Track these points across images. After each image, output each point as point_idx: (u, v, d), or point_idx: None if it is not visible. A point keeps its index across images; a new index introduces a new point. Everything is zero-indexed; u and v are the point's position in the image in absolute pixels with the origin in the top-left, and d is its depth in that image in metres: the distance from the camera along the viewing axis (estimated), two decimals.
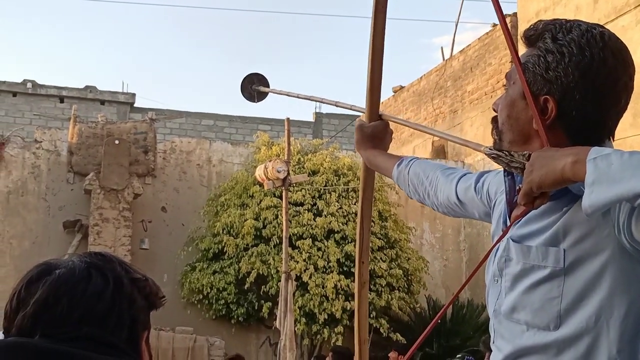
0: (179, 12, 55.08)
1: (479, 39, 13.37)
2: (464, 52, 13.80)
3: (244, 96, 4.95)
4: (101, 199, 10.67)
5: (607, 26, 1.51)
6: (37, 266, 1.16)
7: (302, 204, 10.71)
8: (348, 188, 10.88)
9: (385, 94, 16.47)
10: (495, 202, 1.74)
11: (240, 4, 50.68)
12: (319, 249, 10.41)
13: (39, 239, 11.11)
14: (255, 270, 10.38)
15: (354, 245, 10.02)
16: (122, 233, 10.66)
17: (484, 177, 1.84)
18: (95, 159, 10.98)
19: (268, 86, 4.90)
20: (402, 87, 16.43)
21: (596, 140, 1.42)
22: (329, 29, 55.35)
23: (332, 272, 10.21)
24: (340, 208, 10.73)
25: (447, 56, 14.74)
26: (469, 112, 13.33)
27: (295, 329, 8.61)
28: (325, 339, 10.34)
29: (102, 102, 21.47)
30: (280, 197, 8.97)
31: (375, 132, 2.14)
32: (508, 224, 1.55)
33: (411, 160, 2.10)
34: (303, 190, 10.69)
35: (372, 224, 9.55)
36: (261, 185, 8.97)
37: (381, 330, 10.29)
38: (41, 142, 11.46)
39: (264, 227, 10.57)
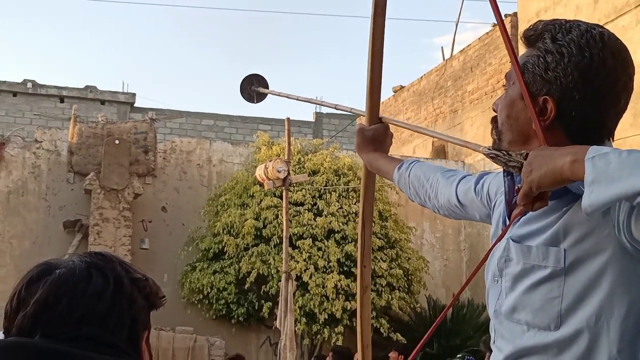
0: (179, 12, 55.09)
1: (479, 38, 13.37)
2: (464, 52, 13.81)
3: (244, 97, 4.95)
4: (101, 198, 10.67)
5: (607, 26, 1.51)
6: (38, 266, 1.16)
7: (302, 204, 10.71)
8: (348, 188, 10.88)
9: (386, 93, 16.48)
10: (495, 203, 1.74)
11: (241, 4, 50.69)
12: (319, 249, 10.41)
13: (39, 238, 11.11)
14: (256, 270, 10.38)
15: (354, 245, 10.09)
16: (123, 233, 10.67)
17: (483, 178, 1.84)
18: (96, 159, 10.98)
19: (267, 87, 4.91)
20: (402, 87, 16.43)
21: (596, 141, 1.42)
22: (329, 29, 55.39)
23: (332, 272, 10.21)
24: (341, 208, 10.73)
25: (447, 56, 14.75)
26: (469, 112, 13.33)
27: (296, 329, 8.61)
28: (326, 339, 10.34)
29: (103, 102, 21.46)
30: (281, 197, 8.97)
31: (375, 135, 2.15)
32: (507, 224, 1.55)
33: (411, 163, 2.10)
34: (303, 190, 10.69)
35: (372, 224, 9.55)
36: (261, 185, 8.97)
37: (381, 330, 10.29)
38: (41, 142, 11.46)
39: (264, 227, 10.57)
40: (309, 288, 10.16)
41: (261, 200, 10.65)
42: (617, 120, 1.49)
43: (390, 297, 10.47)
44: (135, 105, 21.81)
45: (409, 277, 10.99)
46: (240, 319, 10.91)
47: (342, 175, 11.03)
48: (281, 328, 7.47)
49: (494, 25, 13.04)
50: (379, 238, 10.56)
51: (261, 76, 4.99)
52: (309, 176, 10.23)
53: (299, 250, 10.28)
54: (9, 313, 1.13)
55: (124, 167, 10.84)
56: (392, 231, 10.89)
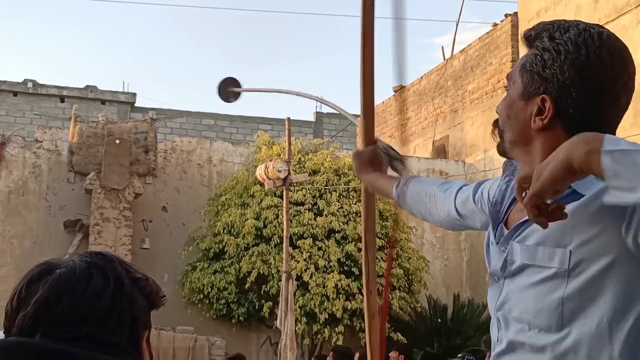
0: (179, 12, 55.13)
1: (479, 38, 13.36)
2: (465, 51, 13.80)
3: (222, 99, 5.08)
4: (102, 198, 10.67)
5: (607, 26, 1.51)
6: (38, 266, 1.16)
7: (302, 204, 10.71)
8: (349, 188, 10.88)
9: (386, 93, 16.48)
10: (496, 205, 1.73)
11: (241, 4, 50.69)
12: (319, 249, 10.41)
13: (39, 238, 11.12)
14: (256, 269, 10.38)
15: (355, 245, 10.09)
16: (123, 232, 10.67)
17: (482, 186, 1.82)
18: (96, 159, 10.98)
19: (240, 87, 5.05)
20: (402, 87, 16.40)
21: None
22: (330, 28, 55.39)
23: (332, 271, 10.21)
24: (341, 208, 10.73)
25: (447, 56, 14.74)
26: (470, 112, 13.32)
27: (296, 329, 8.61)
28: (326, 339, 10.34)
29: (103, 102, 21.48)
30: (281, 197, 8.97)
31: (372, 156, 2.15)
32: (502, 229, 1.55)
33: (409, 179, 2.09)
34: (304, 190, 10.69)
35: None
36: (262, 184, 8.98)
37: None
38: (42, 141, 11.47)
39: (265, 226, 10.57)
40: (309, 288, 10.16)
41: (261, 200, 10.66)
42: (618, 119, 1.48)
43: (390, 296, 10.47)
44: (136, 105, 21.84)
45: (410, 277, 10.99)
46: (240, 318, 10.91)
47: (342, 175, 11.03)
48: (282, 328, 7.48)
49: (495, 24, 13.04)
50: (380, 238, 10.54)
51: (234, 78, 5.10)
52: (309, 176, 10.23)
53: (299, 250, 10.29)
54: (10, 313, 1.13)
55: (125, 166, 10.85)
56: (392, 231, 10.88)
